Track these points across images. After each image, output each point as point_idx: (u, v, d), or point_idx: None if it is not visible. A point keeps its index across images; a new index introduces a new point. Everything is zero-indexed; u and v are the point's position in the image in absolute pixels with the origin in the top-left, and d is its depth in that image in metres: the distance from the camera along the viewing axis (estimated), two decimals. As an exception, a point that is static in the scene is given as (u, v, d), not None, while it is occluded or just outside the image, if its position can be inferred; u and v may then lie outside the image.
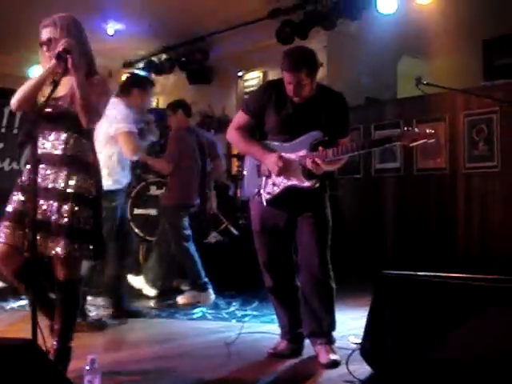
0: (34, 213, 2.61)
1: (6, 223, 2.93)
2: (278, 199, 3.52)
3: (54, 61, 2.86)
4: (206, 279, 5.35)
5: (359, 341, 3.48)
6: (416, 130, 3.32)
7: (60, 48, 2.84)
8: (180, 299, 5.36)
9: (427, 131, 3.22)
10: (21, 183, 2.98)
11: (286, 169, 3.43)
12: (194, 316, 4.86)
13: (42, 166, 2.89)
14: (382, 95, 7.99)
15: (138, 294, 5.46)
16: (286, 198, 3.51)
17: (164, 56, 9.54)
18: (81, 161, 2.99)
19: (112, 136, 4.45)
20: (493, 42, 7.58)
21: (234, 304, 5.24)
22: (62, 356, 2.97)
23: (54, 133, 2.95)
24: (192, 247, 5.41)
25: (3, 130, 8.18)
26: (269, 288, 3.76)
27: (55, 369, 2.06)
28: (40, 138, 2.91)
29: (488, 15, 7.22)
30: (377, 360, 3.18)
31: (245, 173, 3.75)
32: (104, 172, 4.30)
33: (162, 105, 9.02)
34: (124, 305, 4.75)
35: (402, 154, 6.94)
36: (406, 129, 3.31)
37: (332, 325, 3.62)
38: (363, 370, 3.21)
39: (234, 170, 8.14)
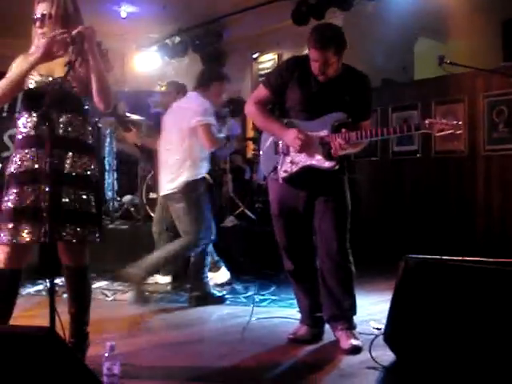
0: (51, 199, 2.52)
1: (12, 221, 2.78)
2: (295, 178, 3.45)
3: (41, 50, 2.74)
4: (217, 257, 5.30)
5: (380, 326, 3.42)
6: (444, 120, 3.21)
7: (76, 32, 2.75)
8: None
9: (455, 122, 3.14)
10: (14, 171, 2.83)
11: (308, 145, 3.35)
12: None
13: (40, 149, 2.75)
14: (399, 77, 7.86)
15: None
16: (304, 177, 3.43)
17: (178, 39, 9.43)
18: (84, 143, 2.91)
19: (192, 128, 4.50)
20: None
21: (252, 288, 5.18)
22: (79, 341, 2.95)
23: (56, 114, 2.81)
24: None
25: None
26: (289, 271, 3.70)
27: (74, 357, 2.01)
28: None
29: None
30: (401, 346, 3.12)
31: (261, 151, 3.68)
32: (187, 163, 4.50)
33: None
34: (208, 289, 4.74)
35: (419, 137, 6.82)
36: (433, 119, 3.22)
37: (353, 309, 3.56)
38: (386, 356, 3.15)
39: (250, 153, 8.06)
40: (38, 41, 2.84)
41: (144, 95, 7.70)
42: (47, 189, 2.46)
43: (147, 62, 10.00)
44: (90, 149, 2.93)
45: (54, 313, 2.42)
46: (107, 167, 6.76)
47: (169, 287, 5.33)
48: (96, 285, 5.24)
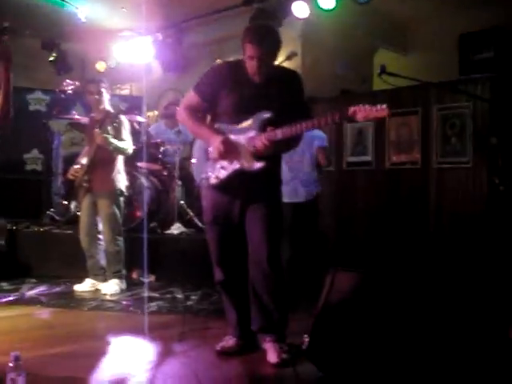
0: None
1: None
2: (226, 184, 3.36)
3: None
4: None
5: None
6: (367, 106, 3.10)
7: None
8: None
9: (378, 106, 3.00)
10: None
11: (230, 152, 3.27)
12: (149, 310, 4.67)
13: None
14: (358, 88, 7.85)
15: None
16: (236, 183, 3.35)
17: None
18: None
19: None
20: (469, 36, 7.47)
21: (193, 297, 5.07)
22: None
23: None
24: None
25: None
26: (219, 282, 3.60)
27: None
28: None
29: (465, 9, 7.11)
30: (324, 361, 3.04)
31: (193, 160, 3.59)
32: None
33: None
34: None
35: (373, 147, 6.80)
36: (357, 106, 3.10)
37: (282, 321, 3.47)
38: (313, 370, 3.06)
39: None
40: None
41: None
42: None
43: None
44: None
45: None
46: (54, 171, 6.62)
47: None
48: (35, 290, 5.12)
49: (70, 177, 5.42)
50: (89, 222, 5.36)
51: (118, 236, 5.38)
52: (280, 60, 6.72)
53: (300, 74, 3.48)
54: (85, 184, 5.30)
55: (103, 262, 5.42)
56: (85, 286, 5.37)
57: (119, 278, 5.37)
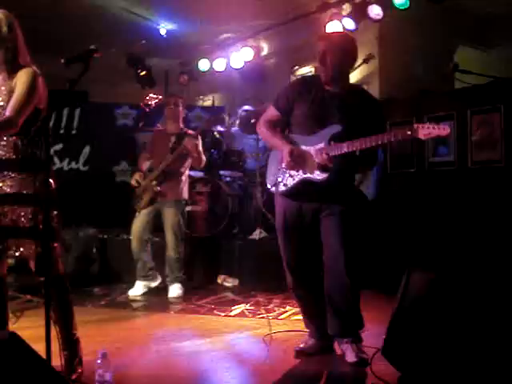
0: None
1: None
2: (294, 191, 3.44)
3: None
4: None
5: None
6: (430, 124, 3.12)
7: None
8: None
9: (441, 125, 3.07)
10: None
11: (298, 162, 3.36)
12: (232, 313, 4.82)
13: None
14: (438, 87, 7.71)
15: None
16: (305, 191, 3.42)
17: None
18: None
19: None
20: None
21: (275, 301, 5.17)
22: (69, 345, 3.01)
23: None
24: None
25: (62, 131, 8.49)
26: (291, 288, 3.69)
27: (39, 360, 2.05)
28: None
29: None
30: (401, 360, 3.05)
31: (268, 165, 3.70)
32: None
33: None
34: None
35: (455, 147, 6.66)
36: (421, 124, 3.13)
37: (358, 323, 3.50)
38: (391, 370, 3.07)
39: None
40: None
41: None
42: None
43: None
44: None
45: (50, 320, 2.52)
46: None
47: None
48: (125, 295, 5.36)
49: (134, 183, 5.68)
50: (144, 227, 5.65)
51: (181, 243, 5.65)
52: (358, 63, 6.78)
53: (380, 103, 3.60)
54: (154, 191, 5.56)
55: (151, 264, 5.72)
56: (138, 291, 5.65)
57: (181, 282, 5.62)
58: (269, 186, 3.61)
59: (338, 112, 3.37)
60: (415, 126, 3.05)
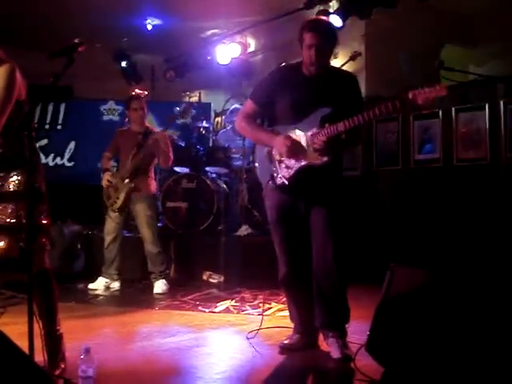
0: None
1: None
2: (292, 182, 3.41)
3: None
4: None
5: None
6: (426, 88, 3.00)
7: None
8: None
9: (436, 86, 2.98)
10: None
11: (295, 149, 3.33)
12: (217, 309, 4.81)
13: None
14: (424, 84, 7.73)
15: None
16: (300, 181, 3.40)
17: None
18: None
19: None
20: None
21: (260, 297, 5.17)
22: (52, 340, 2.99)
23: None
24: None
25: (47, 127, 8.43)
26: (283, 279, 3.67)
27: (22, 355, 2.04)
28: None
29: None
30: (385, 356, 3.06)
31: (256, 164, 3.68)
32: None
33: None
34: None
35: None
36: (416, 90, 3.01)
37: (344, 318, 3.52)
38: (375, 365, 3.08)
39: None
40: None
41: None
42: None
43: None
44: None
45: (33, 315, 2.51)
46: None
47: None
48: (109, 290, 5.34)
49: (106, 183, 5.68)
50: (118, 227, 5.73)
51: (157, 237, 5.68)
52: (344, 60, 6.79)
53: (356, 77, 3.54)
54: (129, 188, 5.60)
55: (118, 265, 5.75)
56: (98, 285, 5.70)
57: (165, 278, 5.64)
58: (263, 182, 3.58)
59: (324, 94, 3.36)
60: (411, 93, 2.99)
